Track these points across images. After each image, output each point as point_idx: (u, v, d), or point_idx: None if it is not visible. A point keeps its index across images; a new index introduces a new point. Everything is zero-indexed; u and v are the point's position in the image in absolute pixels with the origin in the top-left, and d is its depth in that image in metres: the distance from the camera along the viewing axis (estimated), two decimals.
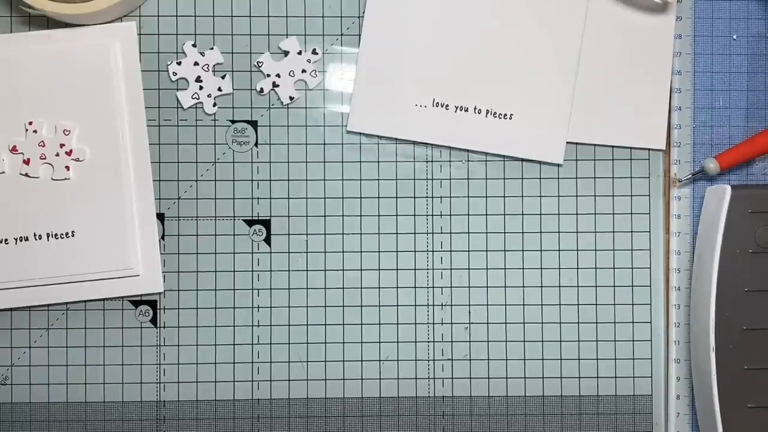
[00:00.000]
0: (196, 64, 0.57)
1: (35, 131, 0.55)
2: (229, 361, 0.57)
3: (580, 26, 0.57)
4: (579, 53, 0.57)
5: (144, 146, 0.56)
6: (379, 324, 0.58)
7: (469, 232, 0.58)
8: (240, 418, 0.58)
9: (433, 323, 0.58)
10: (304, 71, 0.57)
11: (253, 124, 0.58)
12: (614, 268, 0.58)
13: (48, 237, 0.55)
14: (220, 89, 0.57)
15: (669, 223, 0.58)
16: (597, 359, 0.58)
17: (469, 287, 0.58)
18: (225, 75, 0.57)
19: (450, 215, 0.58)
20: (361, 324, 0.58)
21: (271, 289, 0.57)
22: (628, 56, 0.57)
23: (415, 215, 0.58)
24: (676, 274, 0.58)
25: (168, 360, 0.57)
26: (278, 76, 0.57)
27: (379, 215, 0.58)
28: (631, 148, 0.58)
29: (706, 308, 0.54)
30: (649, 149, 0.58)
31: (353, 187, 0.58)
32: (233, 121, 0.58)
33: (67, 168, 0.56)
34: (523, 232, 0.58)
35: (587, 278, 0.58)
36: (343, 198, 0.58)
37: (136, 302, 0.57)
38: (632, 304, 0.58)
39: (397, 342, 0.58)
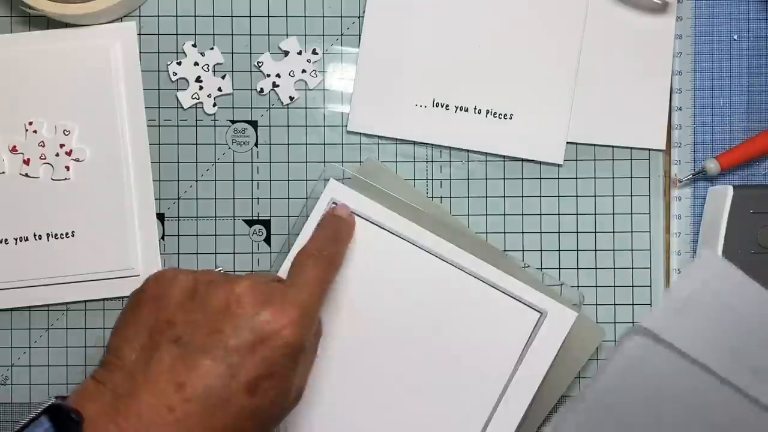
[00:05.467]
0: (196, 64, 0.57)
1: (35, 131, 0.55)
2: None
3: (580, 26, 0.57)
4: (579, 53, 0.57)
5: (144, 146, 0.56)
6: None
7: None
8: None
9: None
10: (304, 71, 0.57)
11: (253, 124, 0.58)
12: (614, 268, 0.58)
13: (48, 237, 0.55)
14: (220, 89, 0.57)
15: (669, 224, 0.58)
16: (597, 359, 0.57)
17: None
18: (225, 75, 0.57)
19: (450, 215, 0.58)
20: None
21: None
22: (628, 56, 0.57)
23: None
24: (677, 275, 0.58)
25: None
26: (278, 76, 0.57)
27: None
28: (631, 148, 0.58)
29: None
30: (649, 149, 0.58)
31: None
32: (233, 121, 0.57)
33: (67, 168, 0.56)
34: (523, 232, 0.58)
35: (587, 278, 0.58)
36: None
37: None
38: (632, 305, 0.58)
39: None
